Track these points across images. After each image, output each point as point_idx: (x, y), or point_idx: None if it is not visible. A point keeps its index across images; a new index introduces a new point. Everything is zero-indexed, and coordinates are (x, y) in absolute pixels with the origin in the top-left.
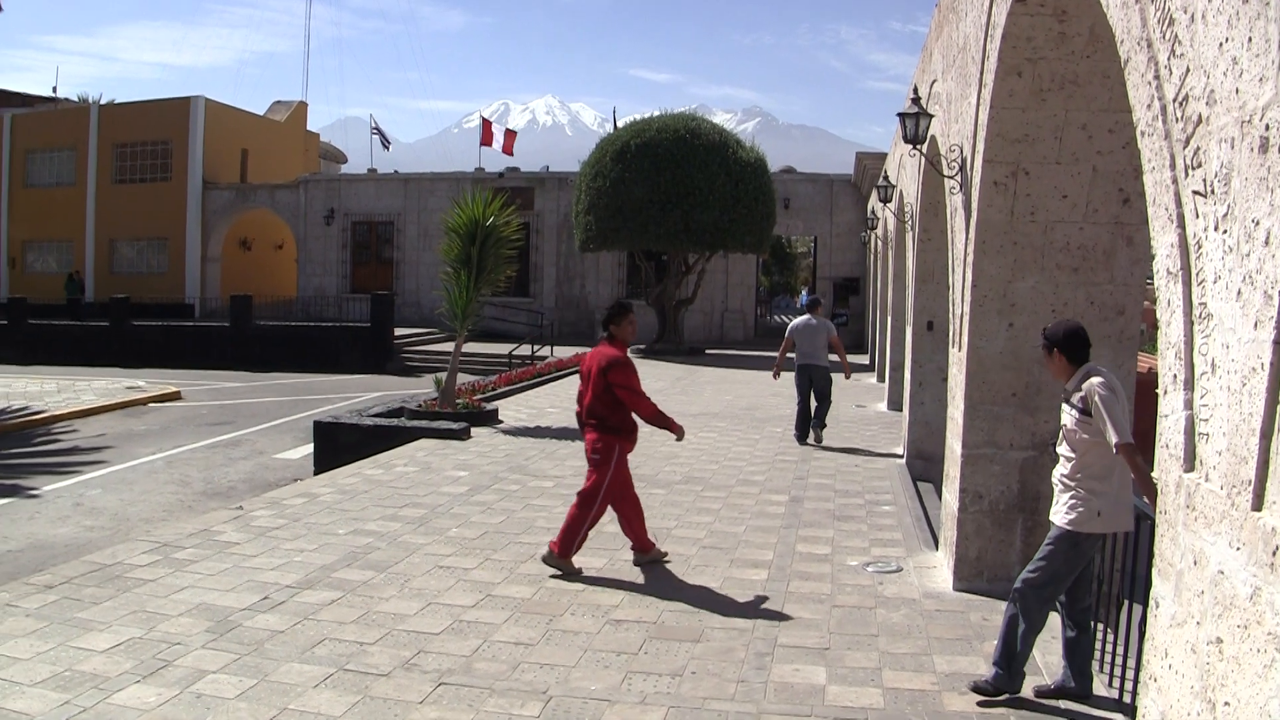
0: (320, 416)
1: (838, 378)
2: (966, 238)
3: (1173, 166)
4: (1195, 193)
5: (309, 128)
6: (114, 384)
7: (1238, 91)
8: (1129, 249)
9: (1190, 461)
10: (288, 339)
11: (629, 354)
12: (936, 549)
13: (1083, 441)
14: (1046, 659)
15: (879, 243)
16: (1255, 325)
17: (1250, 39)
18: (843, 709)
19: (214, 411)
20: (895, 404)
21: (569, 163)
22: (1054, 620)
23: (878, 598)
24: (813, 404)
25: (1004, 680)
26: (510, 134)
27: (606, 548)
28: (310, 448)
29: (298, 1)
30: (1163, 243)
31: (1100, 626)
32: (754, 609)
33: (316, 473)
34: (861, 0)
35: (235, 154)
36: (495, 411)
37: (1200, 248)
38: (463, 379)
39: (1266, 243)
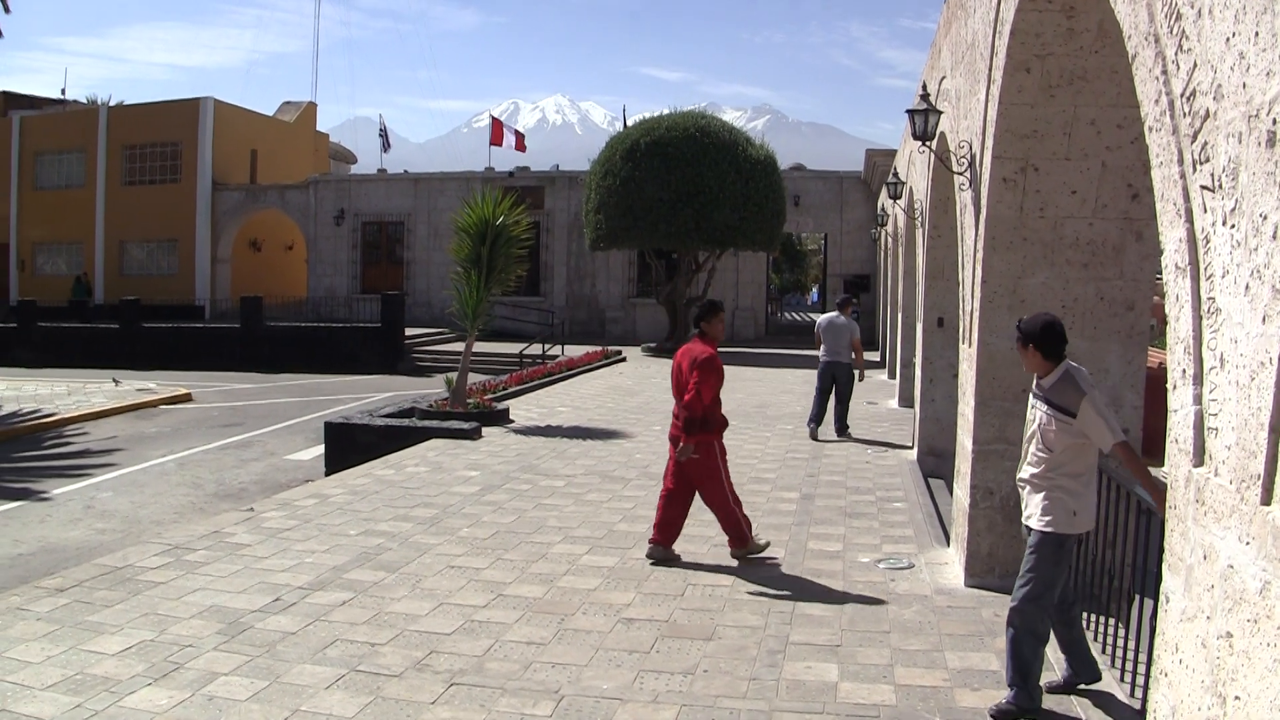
0: (331, 417)
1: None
2: (976, 234)
3: (1180, 161)
4: (1203, 187)
5: (318, 128)
6: (124, 386)
7: (1245, 86)
8: (1138, 244)
9: (1199, 456)
10: (298, 340)
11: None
12: (948, 545)
13: (1060, 441)
14: (1057, 655)
15: (889, 240)
16: (1263, 319)
17: (1257, 33)
18: (855, 706)
19: (225, 413)
20: (906, 400)
21: (579, 161)
22: None
23: (889, 594)
24: (832, 401)
25: (1024, 698)
26: (519, 135)
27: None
28: (321, 448)
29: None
30: (1171, 238)
31: (1111, 621)
32: (766, 606)
33: (328, 473)
34: None
35: (245, 155)
36: (506, 411)
37: (1208, 242)
38: (474, 379)
39: (1274, 237)
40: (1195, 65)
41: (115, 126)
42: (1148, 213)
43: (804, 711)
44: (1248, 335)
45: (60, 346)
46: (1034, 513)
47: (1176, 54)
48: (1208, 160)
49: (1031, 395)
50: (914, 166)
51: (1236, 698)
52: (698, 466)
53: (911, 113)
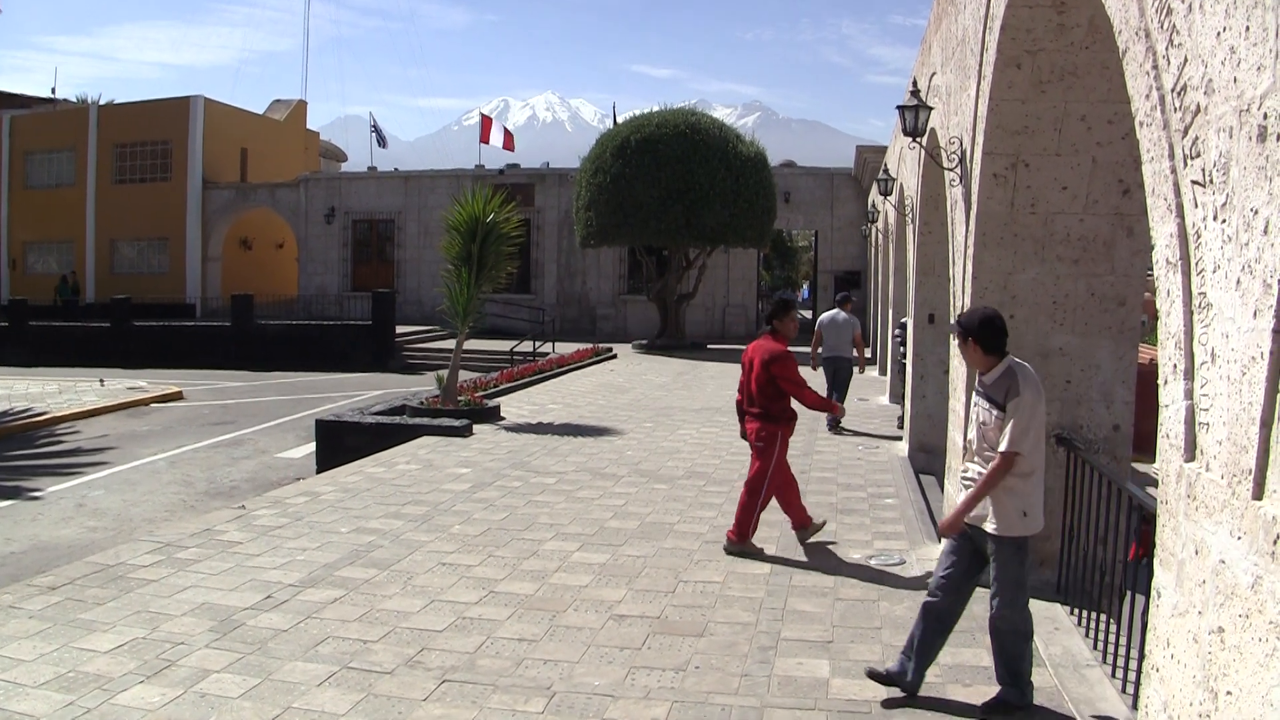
0: (322, 415)
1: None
2: (967, 230)
3: (1171, 156)
4: (1194, 182)
5: (309, 126)
6: (115, 384)
7: (1235, 80)
8: (1129, 240)
9: (1191, 451)
10: (289, 338)
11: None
12: (939, 541)
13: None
14: (1050, 650)
15: (880, 236)
16: (1255, 314)
17: (1248, 27)
18: (846, 702)
19: (216, 411)
20: (897, 397)
21: (569, 159)
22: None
23: (880, 590)
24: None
25: (1015, 694)
26: (508, 134)
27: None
28: (312, 446)
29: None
30: (1162, 233)
31: (1103, 617)
32: (757, 603)
33: (319, 471)
34: None
35: (235, 153)
36: (497, 408)
37: (1199, 237)
38: (464, 376)
39: (1265, 231)
40: (1186, 60)
41: (105, 125)
42: (1139, 208)
43: (796, 708)
44: (1239, 330)
45: (52, 345)
46: (985, 514)
47: (1167, 49)
48: (1199, 155)
49: (974, 392)
50: (904, 163)
51: (1229, 693)
52: (763, 451)
53: (902, 109)
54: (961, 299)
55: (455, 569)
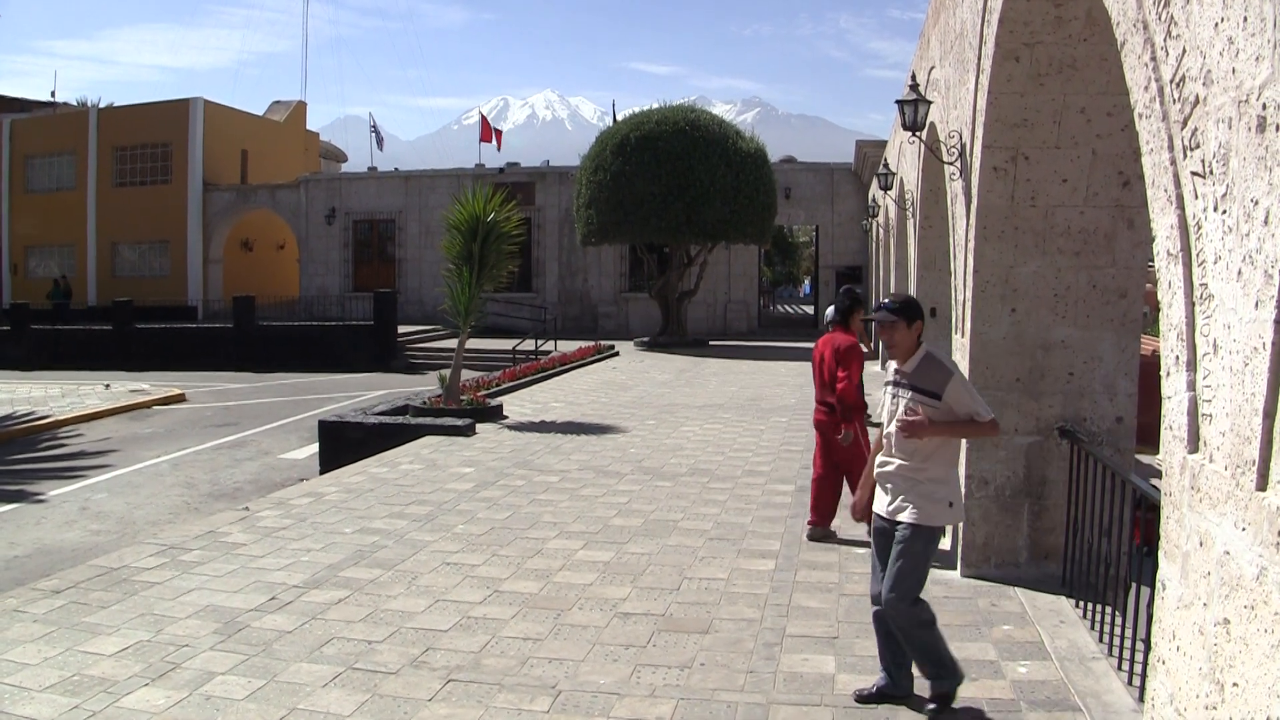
0: (325, 416)
1: None
2: (967, 224)
3: (1171, 148)
4: (1194, 174)
5: (309, 127)
6: (118, 387)
7: (1234, 71)
8: (1130, 232)
9: (1194, 442)
10: (291, 339)
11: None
12: (944, 534)
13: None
14: (1055, 643)
15: (880, 231)
16: (1256, 305)
17: (1246, 18)
18: (851, 694)
19: (218, 413)
20: None
21: (569, 157)
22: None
23: None
24: None
25: (948, 679)
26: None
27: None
28: (315, 447)
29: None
30: (1162, 224)
31: (1108, 610)
32: (762, 599)
33: (322, 472)
34: None
35: (235, 155)
36: (500, 407)
37: (1200, 228)
38: (467, 375)
39: (1266, 222)
40: (1184, 51)
41: (105, 128)
42: (1139, 200)
43: (801, 704)
44: (1241, 321)
45: (53, 349)
46: (903, 506)
47: (1165, 40)
48: (1198, 146)
49: (889, 384)
50: (904, 157)
51: (1235, 684)
52: (849, 449)
53: (901, 103)
54: (963, 292)
55: (459, 568)
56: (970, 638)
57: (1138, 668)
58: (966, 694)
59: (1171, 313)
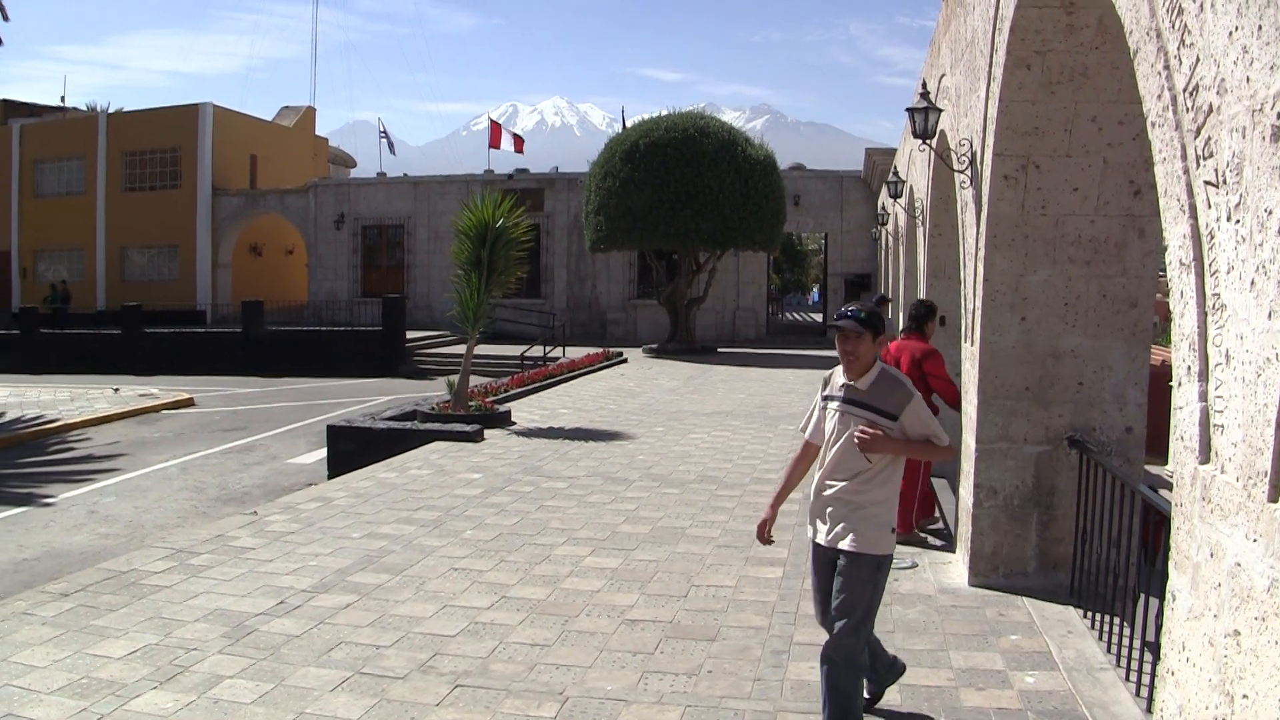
0: (333, 420)
1: None
2: (977, 232)
3: (1184, 157)
4: (1207, 183)
5: (317, 132)
6: (127, 391)
7: (1248, 80)
8: (1140, 241)
9: (1205, 453)
10: (299, 344)
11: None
12: (951, 549)
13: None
14: (1063, 653)
15: (890, 239)
16: (1269, 315)
17: (1260, 27)
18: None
19: (227, 417)
20: None
21: (578, 163)
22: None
23: (893, 594)
24: None
25: None
26: (518, 138)
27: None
28: (324, 452)
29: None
30: (1175, 234)
31: (1116, 620)
32: (770, 607)
33: (330, 477)
34: None
35: (244, 160)
36: (508, 413)
37: (1213, 238)
38: (475, 381)
39: (1279, 232)
40: (1198, 60)
41: (115, 133)
42: (1150, 209)
43: (809, 712)
44: (1253, 331)
45: (62, 353)
46: (844, 534)
47: (1179, 49)
48: (1211, 156)
49: (835, 401)
50: (914, 165)
51: (1244, 696)
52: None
53: (911, 111)
54: (973, 301)
55: (467, 574)
56: (978, 647)
57: (1146, 679)
58: (973, 703)
59: (1184, 323)
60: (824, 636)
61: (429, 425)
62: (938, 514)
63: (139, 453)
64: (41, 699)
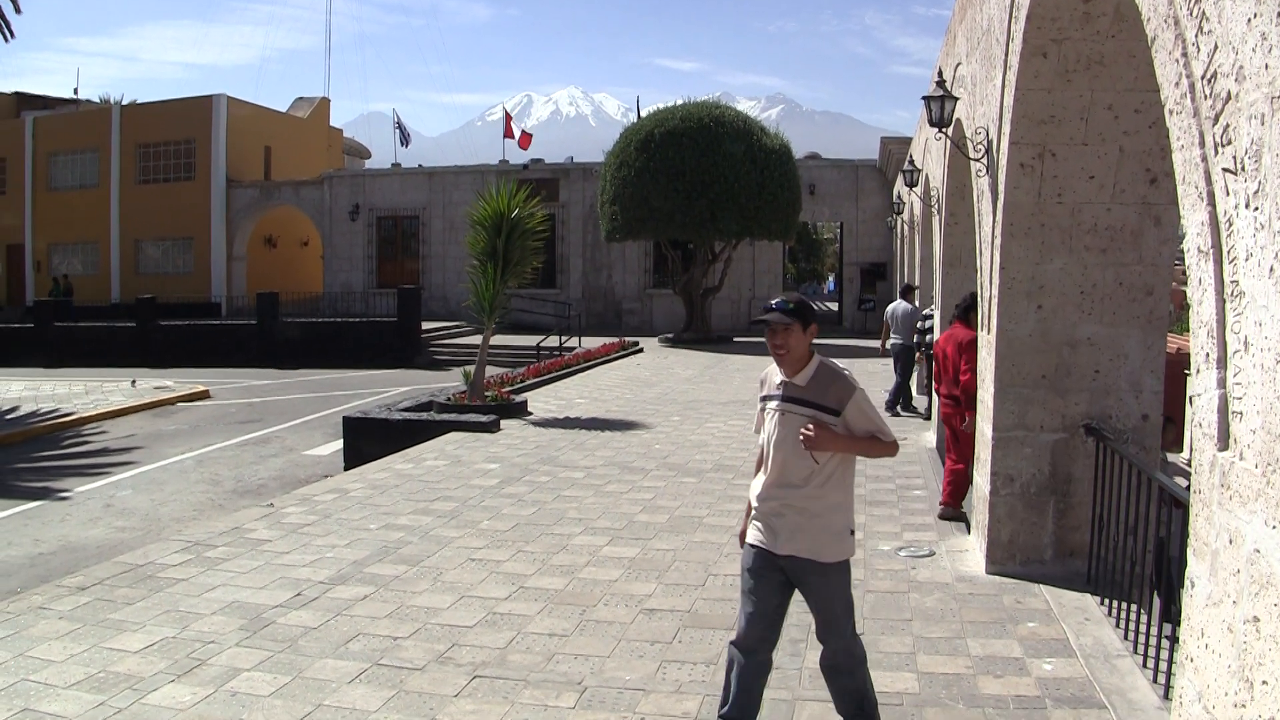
0: (349, 412)
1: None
2: (994, 220)
3: (1202, 144)
4: (1225, 170)
5: (332, 124)
6: (143, 384)
7: (1267, 67)
8: (1157, 229)
9: (1224, 440)
10: (315, 335)
11: None
12: (968, 533)
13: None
14: (1080, 641)
15: (905, 227)
16: None
17: (1279, 13)
18: (878, 694)
19: (243, 410)
20: (924, 389)
21: (593, 153)
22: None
23: (910, 582)
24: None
25: None
26: (526, 135)
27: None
28: (340, 443)
29: None
30: (1193, 221)
31: (1133, 608)
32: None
33: (347, 468)
34: None
35: (258, 151)
36: (524, 403)
37: (1231, 225)
38: (491, 371)
39: None
40: (1216, 47)
41: (128, 125)
42: (1166, 197)
43: (828, 700)
44: (1272, 318)
45: (77, 346)
46: (807, 542)
47: (1197, 36)
48: (1230, 143)
49: (773, 400)
50: (930, 154)
51: (1264, 682)
52: (968, 426)
53: (927, 99)
54: (989, 289)
55: (485, 564)
56: (995, 635)
57: (1163, 665)
58: (991, 690)
59: (1202, 310)
60: None
61: (445, 416)
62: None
63: (155, 445)
64: (59, 693)
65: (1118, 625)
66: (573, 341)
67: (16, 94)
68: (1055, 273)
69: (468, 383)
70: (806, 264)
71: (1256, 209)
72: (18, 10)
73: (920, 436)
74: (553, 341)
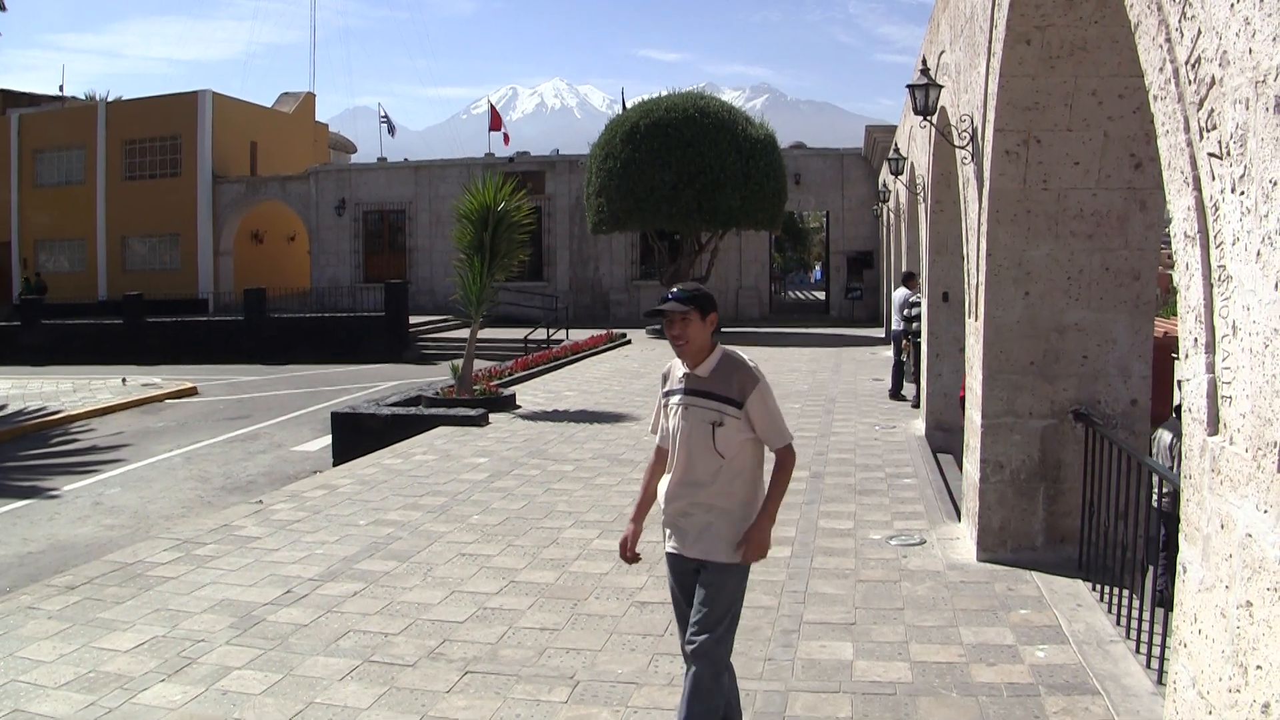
0: (338, 407)
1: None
2: (980, 207)
3: (1187, 129)
4: (1211, 155)
5: (318, 118)
6: (132, 381)
7: (1251, 52)
8: (1142, 214)
9: (1214, 425)
10: (303, 331)
11: None
12: (959, 520)
13: (732, 441)
14: (1073, 627)
15: (891, 215)
16: (1276, 286)
17: None
18: (871, 683)
19: (231, 406)
20: (912, 376)
21: (579, 145)
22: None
23: (902, 571)
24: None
25: None
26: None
27: None
28: (328, 439)
29: None
30: (1179, 206)
31: (1125, 593)
32: (779, 586)
33: (335, 464)
34: None
35: (244, 147)
36: (513, 397)
37: (1218, 210)
38: (479, 365)
39: None
40: (1199, 32)
41: (114, 122)
42: (1151, 182)
43: (820, 691)
44: (1260, 302)
45: (65, 343)
46: (710, 540)
47: (1180, 21)
48: (1215, 127)
49: (675, 393)
50: (915, 142)
51: (1258, 667)
52: None
53: (912, 88)
54: (976, 276)
55: (475, 559)
56: (988, 622)
57: (1156, 650)
58: (985, 678)
59: (1189, 295)
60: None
61: (434, 410)
62: None
63: (143, 443)
64: (49, 693)
65: (1110, 611)
66: (560, 334)
67: (2, 92)
68: (1042, 259)
69: (456, 377)
70: (793, 253)
71: (1242, 193)
72: (3, 8)
73: (909, 424)
74: (540, 334)
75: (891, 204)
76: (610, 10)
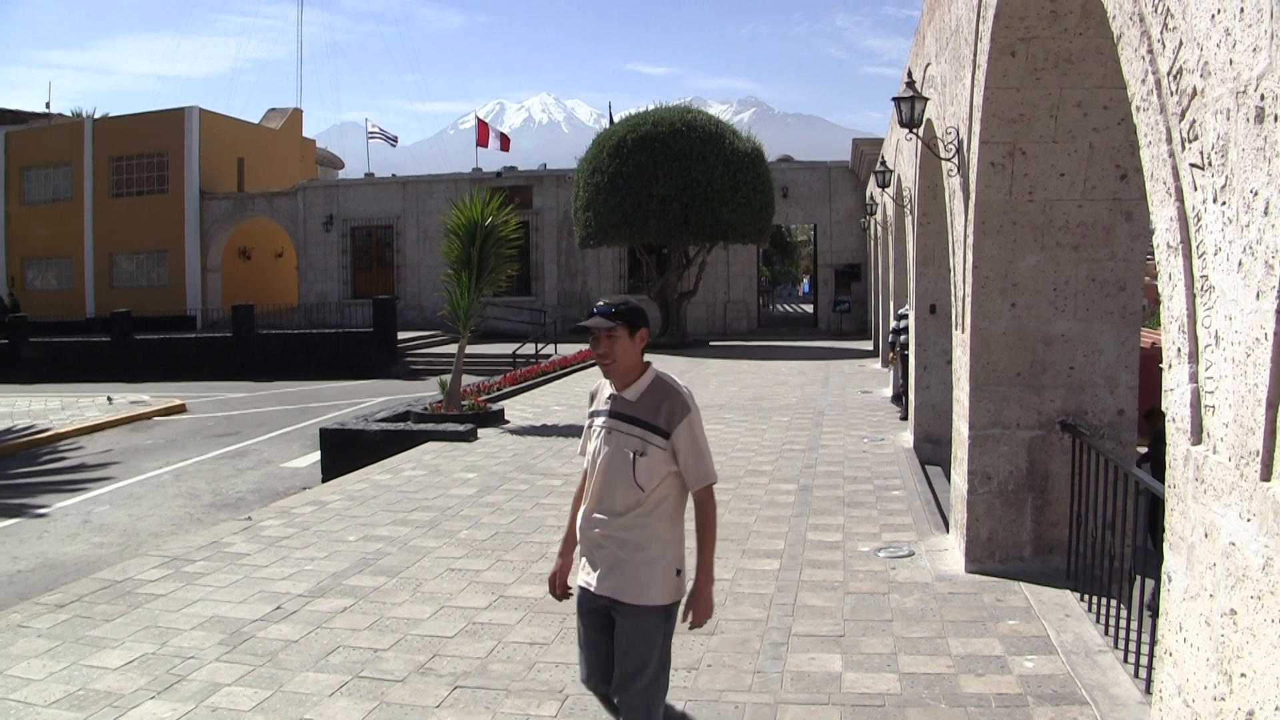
0: (326, 423)
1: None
2: (966, 219)
3: (1169, 140)
4: (1193, 165)
5: (305, 134)
6: (119, 399)
7: (1231, 63)
8: (1128, 224)
9: (1197, 434)
10: (291, 347)
11: None
12: (947, 532)
13: (655, 472)
14: (1061, 637)
15: (879, 228)
16: (1257, 295)
17: (1242, 9)
18: (860, 695)
19: (220, 423)
20: (900, 389)
21: (566, 160)
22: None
23: (890, 583)
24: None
25: None
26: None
27: None
28: (317, 455)
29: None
30: (1162, 216)
31: (1114, 603)
32: (767, 599)
33: (324, 480)
34: None
35: (232, 163)
36: (501, 412)
37: (1200, 220)
38: (468, 380)
39: (1265, 212)
40: (1181, 43)
41: (101, 138)
42: (1136, 193)
43: (809, 703)
44: (1242, 311)
45: (53, 361)
46: (627, 582)
47: (1162, 32)
48: (1196, 138)
49: (600, 414)
50: (901, 154)
51: (1243, 675)
52: None
53: (898, 100)
54: (963, 288)
55: (464, 574)
56: (976, 633)
57: (1144, 660)
58: (973, 690)
59: (1172, 305)
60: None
61: (422, 426)
62: None
63: (132, 460)
64: (38, 712)
65: (1098, 621)
66: (549, 349)
67: None
68: (1028, 270)
69: (444, 392)
70: (781, 266)
71: (1224, 203)
72: None
73: (898, 436)
74: (529, 349)
75: (879, 217)
76: (597, 24)
